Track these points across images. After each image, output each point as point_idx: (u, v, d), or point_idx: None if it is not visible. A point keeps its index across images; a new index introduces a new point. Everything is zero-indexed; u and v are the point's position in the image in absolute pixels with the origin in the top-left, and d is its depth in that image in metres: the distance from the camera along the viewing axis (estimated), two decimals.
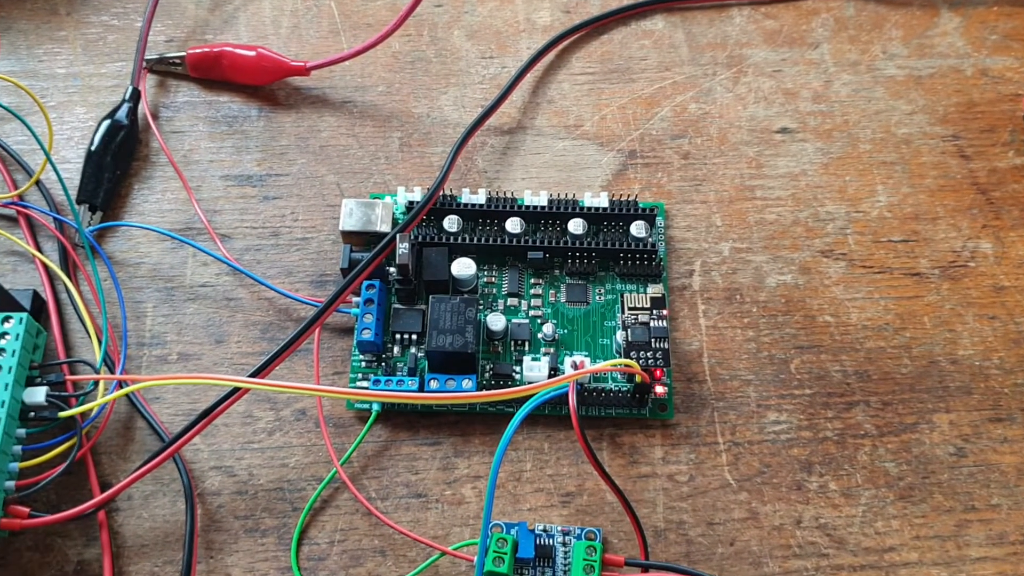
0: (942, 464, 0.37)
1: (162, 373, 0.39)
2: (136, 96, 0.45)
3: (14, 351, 0.34)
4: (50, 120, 0.40)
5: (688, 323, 0.40)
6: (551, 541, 0.35)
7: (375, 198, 0.43)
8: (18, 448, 0.34)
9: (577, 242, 0.40)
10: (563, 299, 0.40)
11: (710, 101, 0.47)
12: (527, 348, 0.39)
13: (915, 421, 0.38)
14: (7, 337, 0.35)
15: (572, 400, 0.33)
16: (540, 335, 0.39)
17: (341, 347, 0.40)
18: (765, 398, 0.39)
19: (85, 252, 0.41)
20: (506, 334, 0.39)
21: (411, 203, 0.41)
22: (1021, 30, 0.49)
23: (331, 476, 0.37)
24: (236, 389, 0.35)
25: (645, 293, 0.39)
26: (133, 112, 0.45)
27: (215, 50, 0.46)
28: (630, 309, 0.38)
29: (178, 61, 0.47)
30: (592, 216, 0.41)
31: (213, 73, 0.46)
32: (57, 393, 0.35)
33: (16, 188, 0.43)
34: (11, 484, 0.33)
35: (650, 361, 0.37)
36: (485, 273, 0.41)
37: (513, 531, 0.35)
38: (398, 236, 0.38)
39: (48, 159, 0.38)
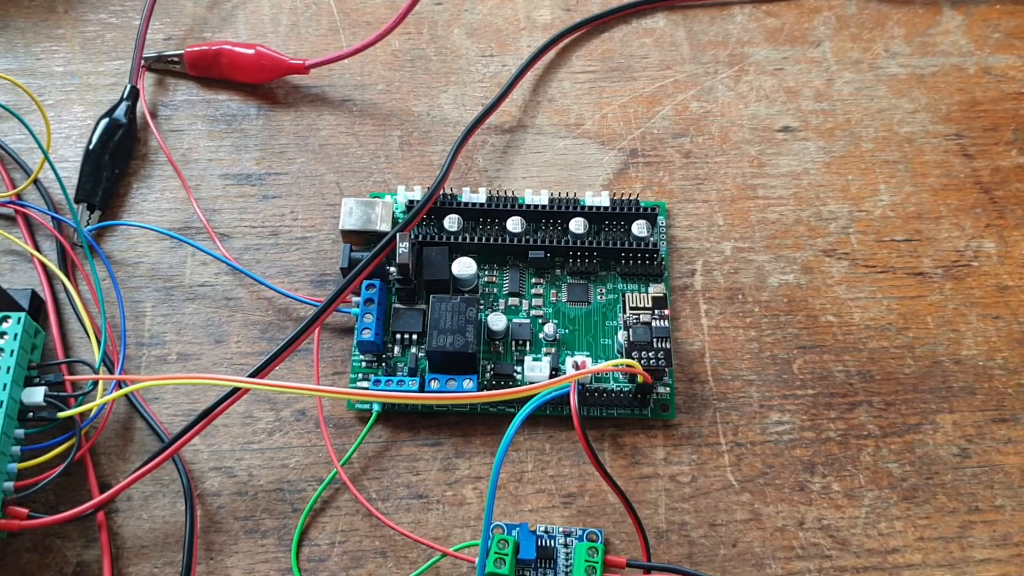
0: (946, 465, 0.37)
1: (161, 373, 0.39)
2: (134, 94, 0.45)
3: (12, 351, 0.34)
4: (48, 119, 0.40)
5: (690, 323, 0.40)
6: (552, 542, 0.35)
7: (375, 197, 0.42)
8: (17, 449, 0.34)
9: (578, 241, 0.40)
10: (564, 299, 0.40)
11: (711, 100, 0.46)
12: (528, 348, 0.39)
13: (918, 422, 0.38)
14: (5, 337, 0.35)
15: (573, 400, 0.33)
16: (541, 335, 0.39)
17: (341, 347, 0.40)
18: (767, 398, 0.39)
19: (84, 251, 0.40)
20: (507, 334, 0.39)
21: (411, 202, 0.41)
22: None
23: (331, 477, 0.37)
24: (236, 389, 0.35)
25: (647, 293, 0.39)
26: (131, 111, 0.44)
27: (214, 48, 0.46)
28: (632, 309, 0.38)
29: (177, 59, 0.46)
30: (593, 215, 0.41)
31: (212, 71, 0.46)
32: (56, 393, 0.35)
33: (14, 187, 0.43)
34: (10, 485, 0.33)
35: (652, 361, 0.37)
36: (486, 273, 0.41)
37: (514, 532, 0.35)
38: (398, 235, 0.38)
39: (46, 158, 0.38)
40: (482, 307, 0.40)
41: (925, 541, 0.36)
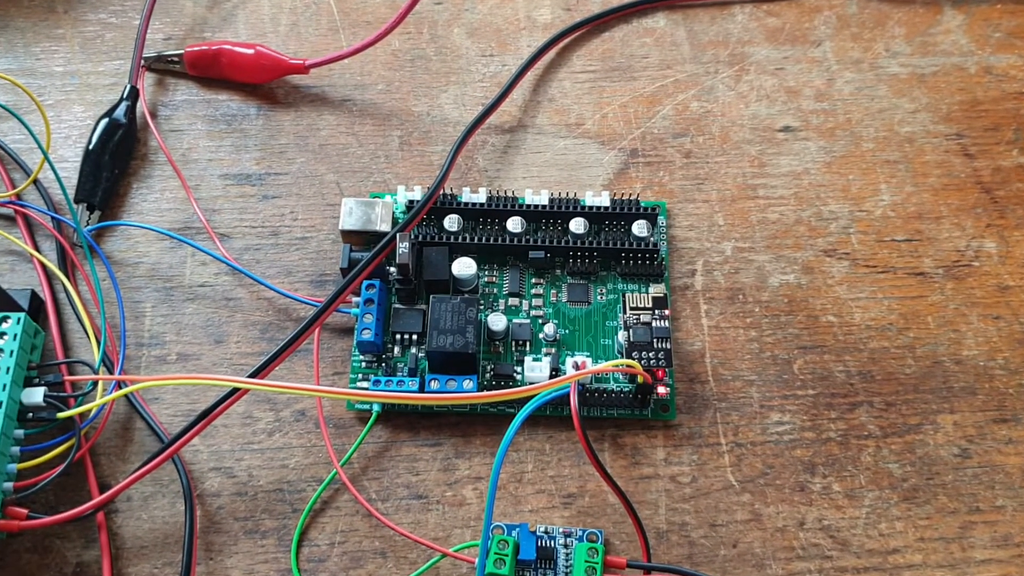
0: (946, 465, 0.37)
1: (161, 373, 0.39)
2: (134, 94, 0.45)
3: (12, 351, 0.34)
4: (48, 119, 0.40)
5: (690, 323, 0.40)
6: (552, 543, 0.35)
7: (375, 197, 0.42)
8: (16, 449, 0.34)
9: (578, 241, 0.40)
10: (564, 299, 0.40)
11: (712, 99, 0.46)
12: (528, 348, 0.39)
13: (919, 422, 0.38)
14: (5, 337, 0.35)
15: (574, 401, 0.33)
16: (541, 335, 0.39)
17: (341, 347, 0.39)
18: (768, 399, 0.39)
19: (83, 252, 0.40)
20: (507, 334, 0.39)
21: (411, 202, 0.41)
22: None
23: (331, 477, 0.37)
24: (235, 390, 0.35)
25: (647, 293, 0.39)
26: (131, 111, 0.44)
27: (214, 48, 0.46)
28: (632, 309, 0.38)
29: (176, 59, 0.46)
30: (593, 215, 0.41)
31: (212, 71, 0.46)
32: (55, 394, 0.35)
33: (14, 187, 0.43)
34: (9, 485, 0.33)
35: (652, 361, 0.37)
36: (486, 273, 0.41)
37: (514, 533, 0.35)
38: (398, 235, 0.38)
39: (46, 158, 0.38)
40: (482, 307, 0.40)
41: (926, 542, 0.36)
